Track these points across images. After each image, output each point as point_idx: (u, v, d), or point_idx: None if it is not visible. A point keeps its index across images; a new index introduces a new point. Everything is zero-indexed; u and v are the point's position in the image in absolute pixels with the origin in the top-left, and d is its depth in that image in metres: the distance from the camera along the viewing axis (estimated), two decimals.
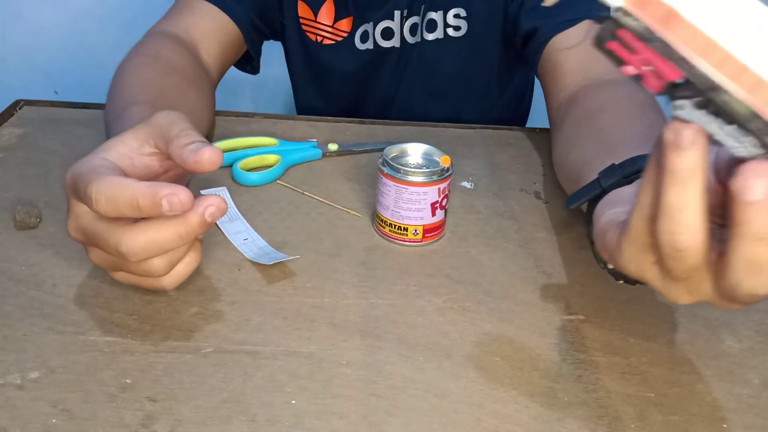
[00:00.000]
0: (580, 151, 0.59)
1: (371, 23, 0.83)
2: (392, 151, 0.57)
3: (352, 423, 0.40)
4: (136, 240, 0.41)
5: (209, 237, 0.55)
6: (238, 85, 1.62)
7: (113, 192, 0.40)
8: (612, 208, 0.42)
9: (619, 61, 0.30)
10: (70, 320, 0.46)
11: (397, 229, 0.56)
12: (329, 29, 0.85)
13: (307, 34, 0.86)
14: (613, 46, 0.30)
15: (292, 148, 0.69)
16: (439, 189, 0.55)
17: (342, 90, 0.91)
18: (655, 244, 0.35)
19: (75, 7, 1.54)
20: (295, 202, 0.62)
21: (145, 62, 0.67)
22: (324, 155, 0.70)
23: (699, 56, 0.28)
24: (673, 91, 0.29)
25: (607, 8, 0.29)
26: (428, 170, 0.55)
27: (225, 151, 0.68)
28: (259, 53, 0.86)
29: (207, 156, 0.42)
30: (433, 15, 0.82)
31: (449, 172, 0.56)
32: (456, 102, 0.89)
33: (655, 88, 0.30)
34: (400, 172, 0.55)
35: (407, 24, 0.83)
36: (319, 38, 0.86)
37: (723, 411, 0.43)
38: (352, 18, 0.84)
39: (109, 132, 0.55)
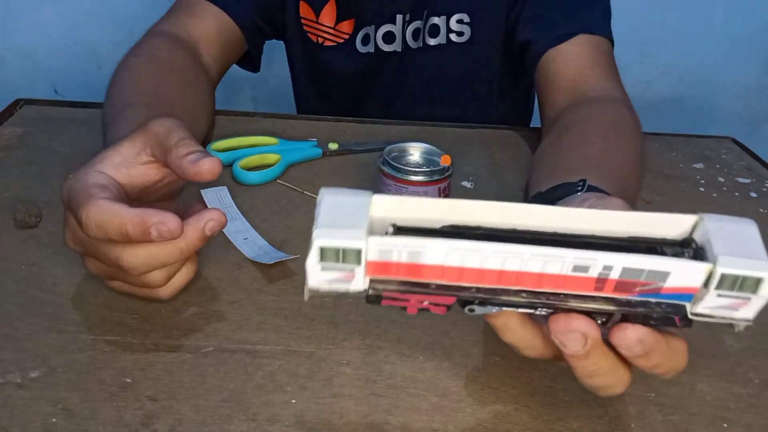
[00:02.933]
0: (539, 171, 0.59)
1: (373, 26, 0.83)
2: (393, 150, 0.57)
3: (352, 422, 0.40)
4: (136, 255, 0.41)
5: (210, 239, 0.55)
6: (239, 84, 1.62)
7: (102, 219, 0.40)
8: None
9: (402, 307, 0.34)
10: (70, 319, 0.46)
11: None
12: (330, 31, 0.85)
13: (308, 35, 0.86)
14: (387, 303, 0.33)
15: (292, 148, 0.69)
16: (439, 188, 0.55)
17: (342, 92, 0.91)
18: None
19: (75, 7, 1.54)
20: (295, 201, 0.62)
21: (142, 63, 0.67)
22: (324, 155, 0.70)
23: (455, 281, 0.32)
24: (460, 305, 0.34)
25: (360, 293, 0.33)
26: (428, 170, 0.55)
27: (225, 150, 0.68)
28: (260, 53, 0.86)
29: (207, 167, 0.42)
30: (436, 20, 0.82)
31: (449, 172, 0.56)
32: (457, 108, 0.89)
33: (443, 312, 0.34)
34: (400, 172, 0.55)
35: (409, 28, 0.83)
36: (320, 39, 0.86)
37: (723, 411, 0.43)
38: (353, 20, 0.84)
39: (105, 134, 0.55)
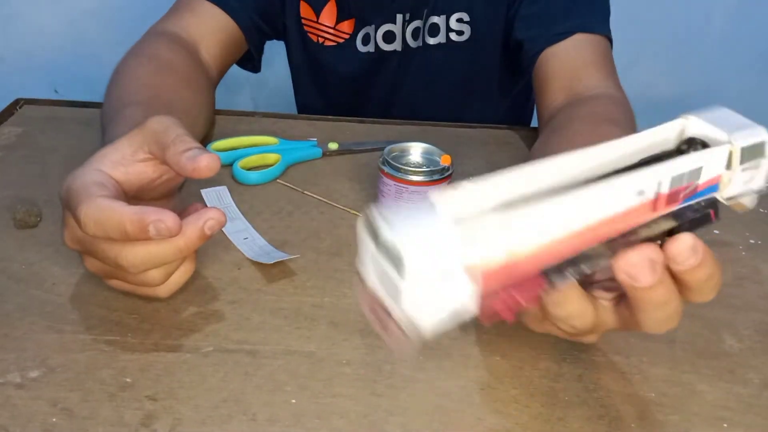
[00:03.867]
0: None
1: (373, 26, 0.83)
2: (393, 150, 0.57)
3: (352, 422, 0.40)
4: (135, 253, 0.41)
5: (210, 238, 0.55)
6: (239, 83, 1.62)
7: (101, 217, 0.40)
8: None
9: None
10: (69, 319, 0.46)
11: None
12: (331, 31, 0.85)
13: (309, 34, 0.86)
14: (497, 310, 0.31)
15: (292, 147, 0.69)
16: (439, 188, 0.55)
17: (342, 92, 0.90)
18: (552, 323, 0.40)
19: (75, 6, 1.54)
20: (295, 201, 0.62)
21: (141, 62, 0.67)
22: (324, 154, 0.70)
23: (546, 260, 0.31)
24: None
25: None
26: (428, 170, 0.55)
27: (225, 150, 0.68)
28: (260, 53, 0.86)
29: (205, 163, 0.42)
30: (435, 19, 0.82)
31: (449, 172, 0.56)
32: (457, 107, 0.88)
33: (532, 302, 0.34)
34: (400, 172, 0.55)
35: (409, 28, 0.83)
36: (321, 39, 0.86)
37: (723, 411, 0.43)
38: (354, 20, 0.83)
39: (104, 133, 0.55)
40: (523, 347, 0.46)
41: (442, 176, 0.55)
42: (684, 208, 0.34)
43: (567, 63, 0.72)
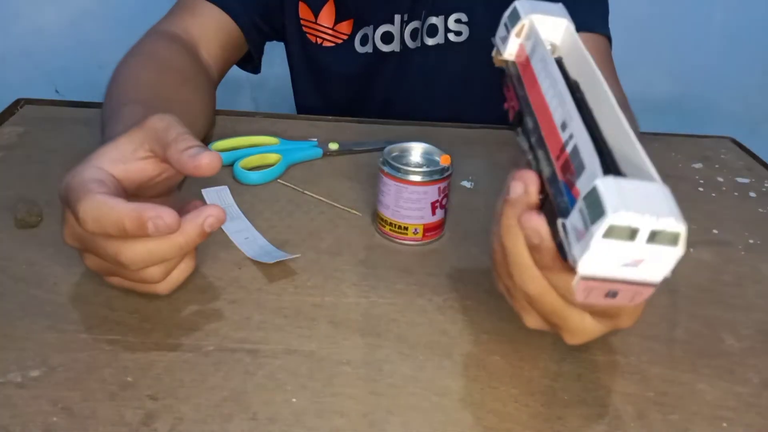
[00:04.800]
0: None
1: (371, 27, 0.83)
2: (393, 150, 0.57)
3: (352, 421, 0.40)
4: (135, 250, 0.41)
5: (210, 235, 0.55)
6: (239, 84, 1.62)
7: (99, 213, 0.40)
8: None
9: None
10: (70, 318, 0.46)
11: (398, 228, 0.56)
12: (329, 31, 0.85)
13: (307, 35, 0.86)
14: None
15: (292, 147, 0.69)
16: (439, 188, 0.55)
17: (341, 92, 0.91)
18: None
19: (76, 6, 1.54)
20: (295, 201, 0.62)
21: (140, 61, 0.67)
22: (324, 154, 0.70)
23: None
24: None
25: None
26: (428, 169, 0.55)
27: (226, 150, 0.68)
28: (260, 53, 0.86)
29: (206, 161, 0.42)
30: (434, 20, 0.82)
31: (449, 172, 0.56)
32: (457, 107, 0.88)
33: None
34: (400, 172, 0.55)
35: (408, 29, 0.83)
36: (319, 40, 0.86)
37: (723, 410, 0.43)
38: (352, 21, 0.84)
39: (103, 132, 0.55)
40: (523, 347, 0.46)
41: (442, 176, 0.55)
42: (559, 184, 0.35)
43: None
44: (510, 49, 0.46)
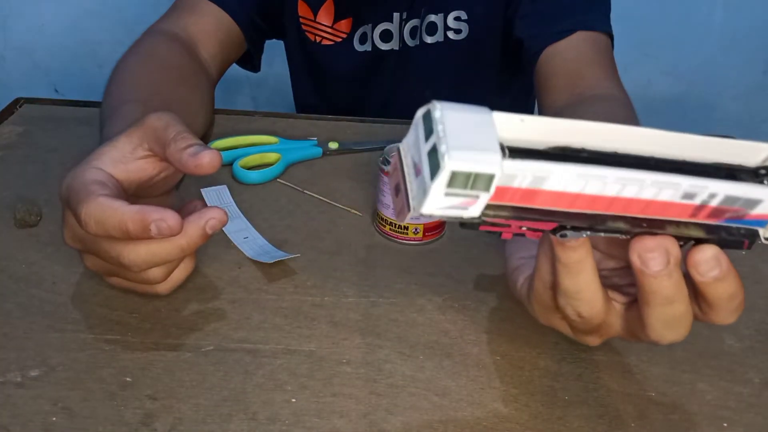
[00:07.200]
0: None
1: (370, 25, 0.83)
2: (392, 149, 0.57)
3: (352, 421, 0.40)
4: (137, 252, 0.41)
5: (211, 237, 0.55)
6: (238, 83, 1.62)
7: (102, 216, 0.40)
8: (519, 251, 0.46)
9: (497, 232, 0.33)
10: (70, 318, 0.46)
11: (398, 228, 0.56)
12: (328, 30, 0.85)
13: (307, 33, 0.86)
14: (485, 228, 0.32)
15: (292, 147, 0.69)
16: None
17: (340, 91, 0.90)
18: (559, 307, 0.39)
19: (76, 5, 1.54)
20: (295, 200, 0.62)
21: (140, 61, 0.67)
22: (324, 154, 0.70)
23: (566, 208, 0.31)
24: (552, 231, 0.33)
25: (474, 220, 0.31)
26: None
27: (225, 149, 0.68)
28: (260, 52, 0.86)
29: (207, 159, 0.42)
30: (433, 18, 0.82)
31: None
32: None
33: (538, 236, 0.35)
34: None
35: (407, 27, 0.83)
36: (318, 38, 0.86)
37: (723, 410, 0.43)
38: (351, 19, 0.83)
39: (102, 131, 0.54)
40: (523, 347, 0.46)
41: None
42: (722, 226, 0.33)
43: (569, 62, 0.72)
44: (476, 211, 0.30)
